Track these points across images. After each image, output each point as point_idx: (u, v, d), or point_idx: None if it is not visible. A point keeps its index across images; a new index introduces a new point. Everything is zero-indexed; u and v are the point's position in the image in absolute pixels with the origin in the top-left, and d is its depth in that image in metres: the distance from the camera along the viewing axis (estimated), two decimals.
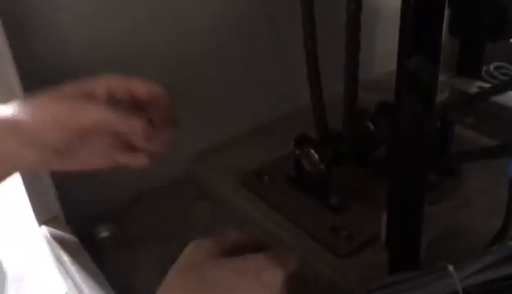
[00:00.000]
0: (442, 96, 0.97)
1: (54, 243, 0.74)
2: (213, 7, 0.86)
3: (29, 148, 0.48)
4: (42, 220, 0.76)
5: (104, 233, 0.76)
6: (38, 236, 0.77)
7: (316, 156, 0.75)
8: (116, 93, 0.51)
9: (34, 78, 0.63)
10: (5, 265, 1.56)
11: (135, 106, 0.52)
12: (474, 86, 0.97)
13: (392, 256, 0.60)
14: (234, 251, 0.46)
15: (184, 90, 0.86)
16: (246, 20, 0.91)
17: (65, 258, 0.71)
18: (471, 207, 0.76)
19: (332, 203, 0.76)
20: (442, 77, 1.01)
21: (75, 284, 0.68)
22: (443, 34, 0.75)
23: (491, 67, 1.03)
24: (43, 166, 0.52)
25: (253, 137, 0.96)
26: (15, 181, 0.70)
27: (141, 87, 0.52)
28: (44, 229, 0.76)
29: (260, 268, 0.42)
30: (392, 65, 0.57)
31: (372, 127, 0.79)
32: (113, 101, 0.51)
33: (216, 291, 0.41)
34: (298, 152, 0.77)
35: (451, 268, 0.50)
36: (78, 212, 0.77)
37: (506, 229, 0.55)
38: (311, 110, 0.79)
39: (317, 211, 0.76)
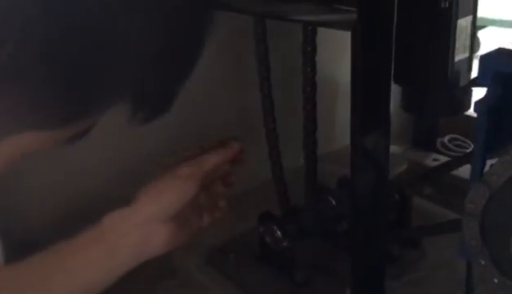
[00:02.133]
0: (400, 169, 1.00)
1: None
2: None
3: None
4: None
5: None
6: None
7: (280, 233, 0.76)
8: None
9: None
10: None
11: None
12: (430, 158, 1.01)
13: None
14: None
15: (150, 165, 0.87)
16: (213, 100, 0.93)
17: None
18: (434, 279, 0.77)
19: (297, 280, 0.76)
20: (399, 150, 1.05)
21: None
22: (399, 110, 0.79)
23: (446, 139, 1.08)
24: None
25: None
26: None
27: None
28: None
29: None
30: None
31: (334, 202, 0.81)
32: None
33: None
34: (261, 229, 0.78)
35: None
36: None
37: None
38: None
39: (283, 288, 0.76)
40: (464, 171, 0.95)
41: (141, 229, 0.50)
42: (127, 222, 0.50)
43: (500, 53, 0.44)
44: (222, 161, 0.53)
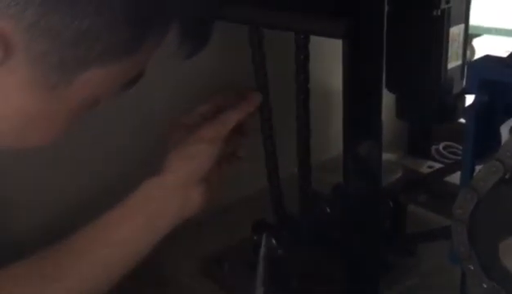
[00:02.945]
0: (395, 176, 1.00)
1: None
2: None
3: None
4: None
5: None
6: None
7: (274, 241, 0.75)
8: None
9: None
10: None
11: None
12: (425, 166, 1.02)
13: None
14: None
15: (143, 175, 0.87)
16: None
17: None
18: (429, 286, 0.77)
19: (292, 288, 0.76)
20: (394, 158, 1.05)
21: None
22: (393, 118, 0.79)
23: (440, 146, 1.08)
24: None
25: (213, 221, 0.96)
26: None
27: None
28: None
29: None
30: None
31: (328, 209, 0.81)
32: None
33: None
34: (255, 237, 0.78)
35: None
36: None
37: None
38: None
39: None
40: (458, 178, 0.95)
41: (178, 194, 0.54)
42: (164, 189, 0.54)
43: (487, 60, 0.45)
44: (244, 116, 0.56)
